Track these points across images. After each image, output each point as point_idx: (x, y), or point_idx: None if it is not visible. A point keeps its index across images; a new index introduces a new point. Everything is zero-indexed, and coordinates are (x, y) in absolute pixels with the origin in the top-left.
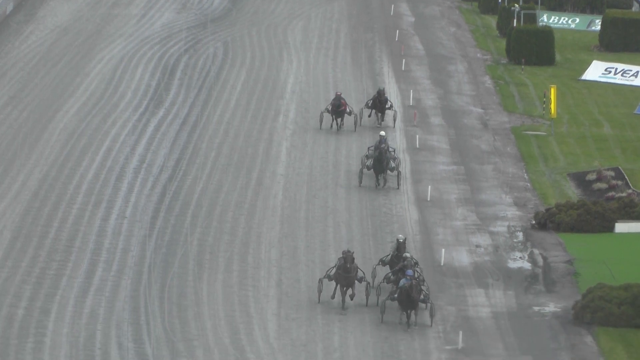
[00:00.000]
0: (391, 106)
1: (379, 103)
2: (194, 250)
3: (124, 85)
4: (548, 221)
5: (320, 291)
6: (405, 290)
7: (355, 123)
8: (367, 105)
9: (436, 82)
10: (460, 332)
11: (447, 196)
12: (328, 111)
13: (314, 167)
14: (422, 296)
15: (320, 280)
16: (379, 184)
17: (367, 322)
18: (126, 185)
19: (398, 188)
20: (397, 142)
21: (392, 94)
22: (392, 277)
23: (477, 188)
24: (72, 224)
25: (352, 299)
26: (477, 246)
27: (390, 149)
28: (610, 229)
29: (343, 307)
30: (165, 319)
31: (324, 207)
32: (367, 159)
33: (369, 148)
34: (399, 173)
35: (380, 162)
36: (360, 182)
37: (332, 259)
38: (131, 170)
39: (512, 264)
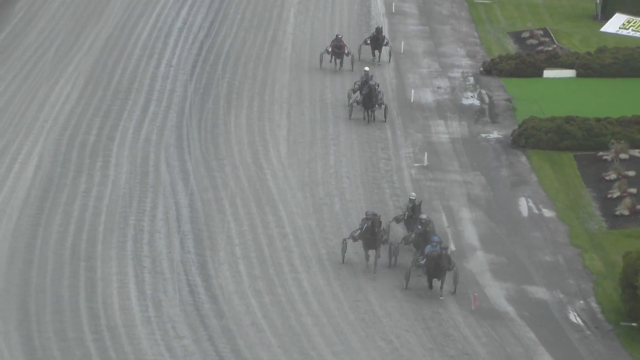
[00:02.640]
0: (387, 43)
1: (376, 41)
2: (224, 91)
3: None
4: (492, 68)
5: (344, 251)
6: (434, 259)
7: (353, 63)
8: (365, 43)
9: None
10: (426, 153)
11: (416, 49)
12: (328, 52)
13: (315, 28)
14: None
15: (345, 241)
16: (369, 119)
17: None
18: (172, 41)
19: (385, 121)
20: (379, 7)
21: None
22: (412, 238)
23: (438, 43)
24: (131, 71)
25: (375, 260)
26: (438, 87)
27: (376, 84)
28: (540, 75)
29: (374, 270)
30: (202, 143)
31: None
32: (353, 93)
33: (355, 83)
34: (385, 107)
35: (370, 98)
36: (350, 115)
37: (329, 97)
38: (176, 30)
39: (465, 101)
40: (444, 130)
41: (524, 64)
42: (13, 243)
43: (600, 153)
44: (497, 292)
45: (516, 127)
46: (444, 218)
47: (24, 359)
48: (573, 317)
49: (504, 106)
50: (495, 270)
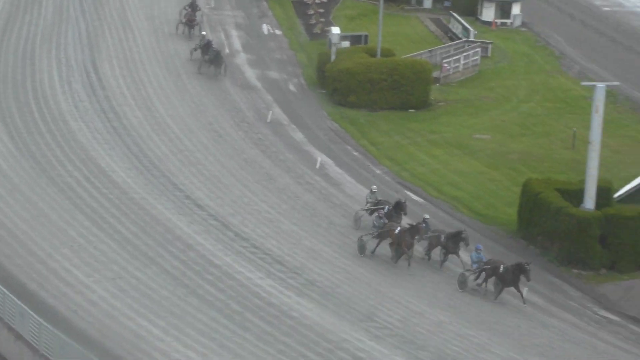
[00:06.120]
0: (200, 9)
1: (191, 12)
2: None
3: None
4: None
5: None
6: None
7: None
8: (184, 8)
9: None
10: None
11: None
12: (182, 22)
13: None
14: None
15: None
16: (220, 73)
17: None
18: None
19: (225, 75)
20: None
21: None
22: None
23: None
24: None
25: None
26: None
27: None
28: None
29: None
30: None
31: None
32: (195, 51)
33: (196, 46)
34: (225, 65)
35: (217, 58)
36: (200, 70)
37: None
38: None
39: None
40: None
41: None
42: None
43: (305, 0)
44: (251, 75)
45: None
46: (222, 35)
47: None
48: (291, 86)
49: None
50: (250, 63)
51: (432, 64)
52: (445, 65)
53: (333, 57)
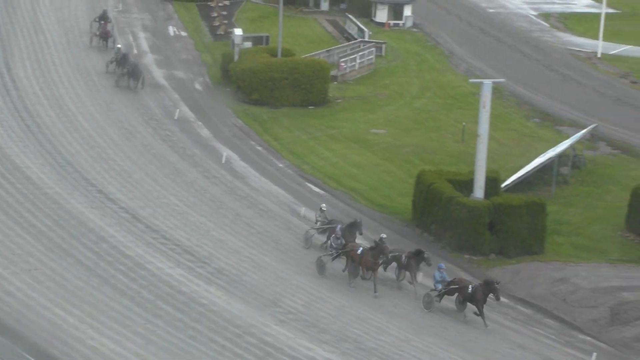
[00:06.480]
0: (111, 20)
1: (104, 24)
2: None
3: None
4: None
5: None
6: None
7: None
8: (95, 20)
9: None
10: (120, 5)
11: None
12: (96, 35)
13: None
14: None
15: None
16: (138, 86)
17: None
18: None
19: (143, 87)
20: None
21: None
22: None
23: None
24: None
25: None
26: None
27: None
28: None
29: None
30: None
31: None
32: (111, 64)
33: (112, 59)
34: (143, 78)
35: (136, 71)
36: (118, 84)
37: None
38: None
39: None
40: None
41: None
42: None
43: (209, 3)
44: (159, 74)
45: None
46: (130, 37)
47: None
48: (197, 85)
49: None
50: (157, 63)
51: (330, 63)
52: (342, 64)
53: (236, 57)
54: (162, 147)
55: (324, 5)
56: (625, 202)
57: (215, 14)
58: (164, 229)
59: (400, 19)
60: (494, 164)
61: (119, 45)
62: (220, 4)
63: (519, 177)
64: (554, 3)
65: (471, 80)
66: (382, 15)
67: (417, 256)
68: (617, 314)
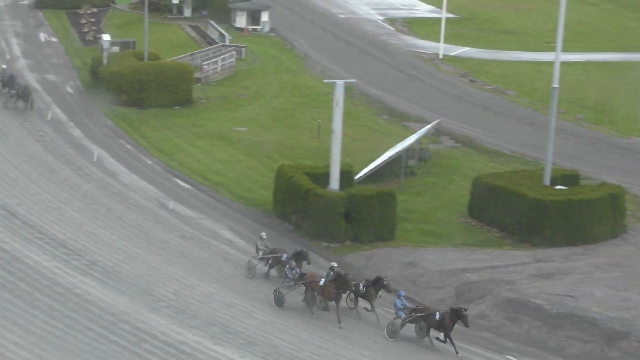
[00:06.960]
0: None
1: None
2: None
3: None
4: None
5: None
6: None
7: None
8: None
9: None
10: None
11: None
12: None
13: None
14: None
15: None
16: (28, 107)
17: None
18: None
19: (32, 109)
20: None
21: None
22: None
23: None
24: None
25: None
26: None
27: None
28: None
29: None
30: None
31: None
32: (4, 88)
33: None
34: (32, 99)
35: (26, 92)
36: (6, 106)
37: None
38: None
39: None
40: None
41: None
42: None
43: (77, 11)
44: (31, 78)
45: None
46: (3, 43)
47: None
48: (69, 88)
49: None
50: (30, 67)
51: (194, 65)
52: (205, 66)
53: (105, 61)
54: (36, 147)
55: (187, 12)
56: (467, 191)
57: (84, 21)
58: (39, 224)
59: (258, 24)
60: (348, 157)
61: (4, 66)
62: (88, 12)
63: (371, 170)
64: (399, 9)
65: (325, 80)
66: (241, 20)
67: (376, 284)
68: (461, 294)
